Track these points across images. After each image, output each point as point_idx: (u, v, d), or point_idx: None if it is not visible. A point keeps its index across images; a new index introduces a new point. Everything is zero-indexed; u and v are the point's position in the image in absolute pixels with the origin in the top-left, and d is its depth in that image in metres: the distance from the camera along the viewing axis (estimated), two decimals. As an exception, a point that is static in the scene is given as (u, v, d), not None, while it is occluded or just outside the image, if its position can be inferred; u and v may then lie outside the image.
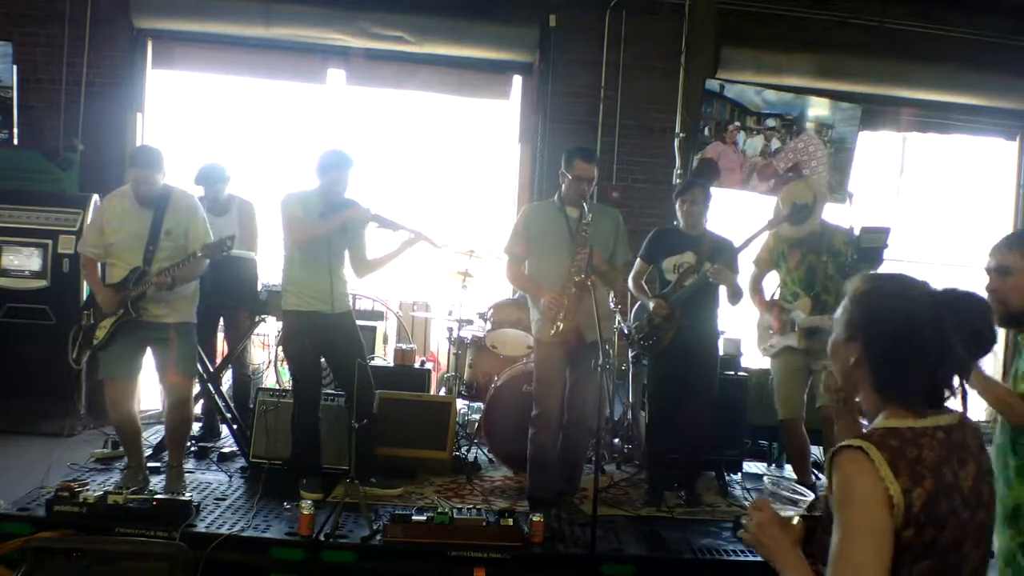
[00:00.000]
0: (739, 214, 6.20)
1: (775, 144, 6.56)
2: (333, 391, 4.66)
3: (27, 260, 5.62)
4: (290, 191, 4.30)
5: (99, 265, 4.22)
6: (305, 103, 7.05)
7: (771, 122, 6.53)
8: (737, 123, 6.47)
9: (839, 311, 1.60)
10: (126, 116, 6.34)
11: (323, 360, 4.45)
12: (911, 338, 1.47)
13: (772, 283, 4.72)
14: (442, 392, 5.65)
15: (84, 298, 4.47)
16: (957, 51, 6.80)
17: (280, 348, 6.32)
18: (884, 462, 1.40)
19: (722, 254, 4.32)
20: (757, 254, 4.63)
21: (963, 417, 1.54)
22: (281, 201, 4.27)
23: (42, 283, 5.61)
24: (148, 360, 4.27)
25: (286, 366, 6.18)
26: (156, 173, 4.04)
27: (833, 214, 4.71)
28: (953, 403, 1.59)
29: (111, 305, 4.03)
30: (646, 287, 4.58)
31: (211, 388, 4.80)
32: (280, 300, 4.44)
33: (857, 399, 1.62)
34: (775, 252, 4.55)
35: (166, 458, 4.38)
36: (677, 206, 4.49)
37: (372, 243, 4.49)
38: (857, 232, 4.49)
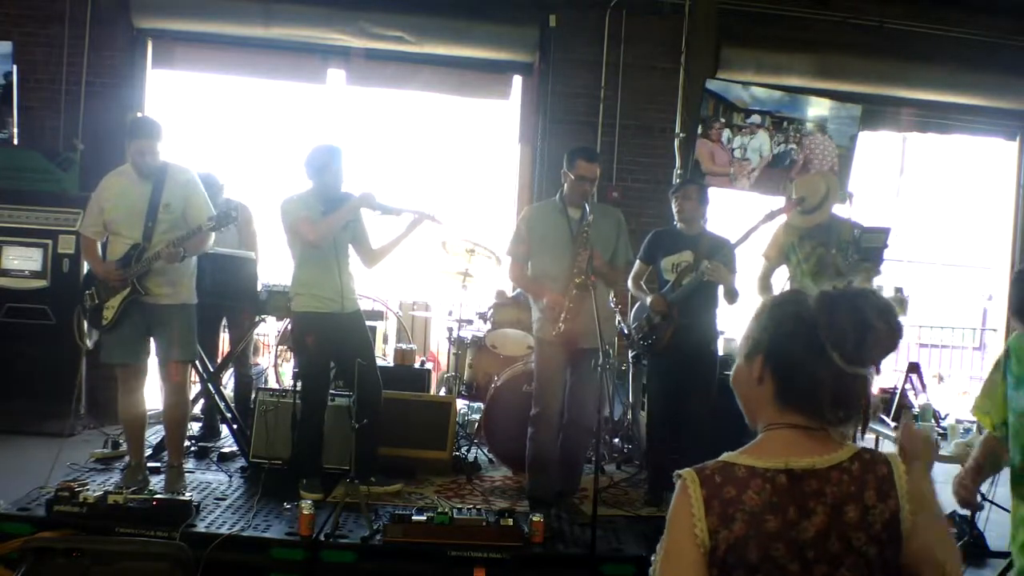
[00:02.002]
0: (727, 212, 6.17)
1: (763, 142, 6.53)
2: (334, 391, 4.65)
3: (27, 260, 5.63)
4: (287, 196, 4.28)
5: (99, 245, 4.23)
6: (305, 103, 7.07)
7: (755, 118, 6.48)
8: (723, 120, 6.46)
9: (739, 340, 1.57)
10: (126, 116, 6.30)
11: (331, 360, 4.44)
12: (807, 332, 1.41)
13: (778, 282, 4.70)
14: (442, 392, 5.65)
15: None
16: (957, 51, 6.79)
17: (281, 348, 6.34)
18: (700, 498, 1.39)
19: (719, 252, 4.31)
20: (766, 249, 4.61)
21: (854, 457, 1.42)
22: (281, 207, 4.24)
23: (42, 283, 5.62)
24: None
25: (286, 367, 6.21)
26: (157, 142, 4.07)
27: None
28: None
29: (115, 278, 4.02)
30: (645, 287, 4.58)
31: (211, 388, 4.80)
32: (281, 300, 4.43)
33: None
34: (785, 244, 4.53)
35: (166, 458, 4.38)
36: (672, 203, 4.49)
37: (374, 232, 4.49)
38: (857, 231, 4.49)
